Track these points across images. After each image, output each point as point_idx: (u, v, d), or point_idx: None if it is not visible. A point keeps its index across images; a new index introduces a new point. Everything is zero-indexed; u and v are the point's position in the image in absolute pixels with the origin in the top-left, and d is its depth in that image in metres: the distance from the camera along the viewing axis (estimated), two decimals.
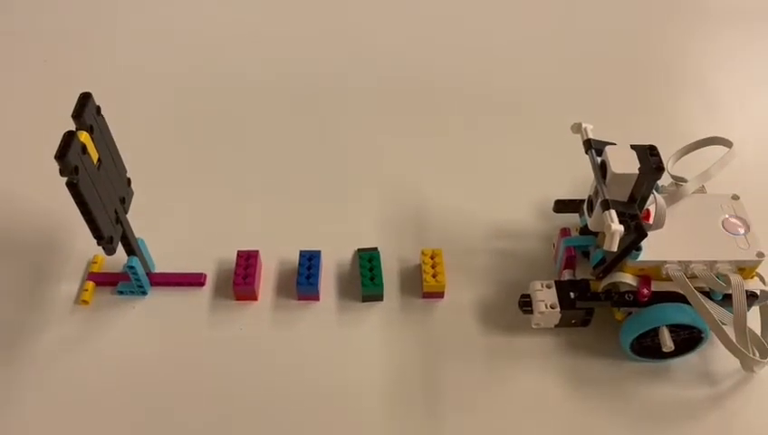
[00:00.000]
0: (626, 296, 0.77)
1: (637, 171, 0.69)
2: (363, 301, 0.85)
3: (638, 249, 0.74)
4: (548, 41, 1.22)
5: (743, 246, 0.75)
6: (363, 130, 1.06)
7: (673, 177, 0.85)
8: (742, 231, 0.76)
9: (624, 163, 0.69)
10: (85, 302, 0.84)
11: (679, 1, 1.30)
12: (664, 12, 1.28)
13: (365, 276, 0.85)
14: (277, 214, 0.94)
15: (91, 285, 0.85)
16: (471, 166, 1.01)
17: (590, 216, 0.76)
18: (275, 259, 0.89)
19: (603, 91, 1.12)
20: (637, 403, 0.77)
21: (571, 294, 0.78)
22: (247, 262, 0.85)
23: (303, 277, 0.84)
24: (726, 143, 0.82)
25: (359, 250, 0.88)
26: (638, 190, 0.70)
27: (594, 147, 0.75)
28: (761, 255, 0.74)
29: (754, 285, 0.76)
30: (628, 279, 0.76)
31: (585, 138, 0.76)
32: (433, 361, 0.80)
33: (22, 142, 1.02)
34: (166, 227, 0.90)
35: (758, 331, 0.78)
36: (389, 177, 0.99)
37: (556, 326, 0.80)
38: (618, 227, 0.67)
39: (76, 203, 0.67)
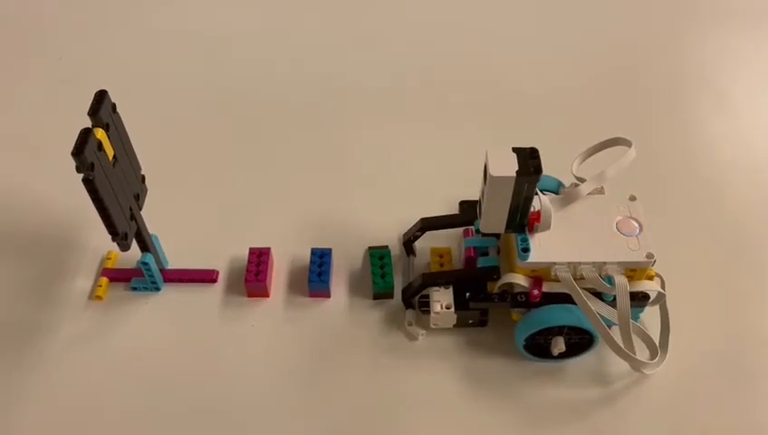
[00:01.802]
0: (518, 297, 0.77)
1: (514, 174, 0.69)
2: (374, 299, 0.86)
3: (527, 250, 0.74)
4: (555, 40, 1.22)
5: (633, 247, 0.74)
6: (376, 129, 1.06)
7: (576, 177, 0.84)
8: (635, 232, 0.76)
9: (503, 166, 0.69)
10: (99, 297, 0.85)
11: (689, 1, 1.30)
12: (673, 12, 1.27)
13: (376, 274, 0.85)
14: (289, 212, 0.95)
15: (104, 280, 0.86)
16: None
17: (479, 218, 0.76)
18: (287, 257, 0.89)
19: (609, 92, 1.12)
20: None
21: (467, 295, 0.79)
22: (259, 259, 0.86)
23: (315, 275, 0.85)
24: (627, 143, 0.81)
25: (370, 248, 0.89)
26: (518, 193, 0.70)
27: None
28: (650, 256, 0.74)
29: (648, 286, 0.76)
30: (520, 280, 0.76)
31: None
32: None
33: (37, 139, 1.03)
34: (179, 223, 0.91)
35: (657, 332, 0.79)
36: (401, 176, 0.99)
37: (455, 326, 0.81)
38: None
39: (92, 199, 0.68)
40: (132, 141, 0.77)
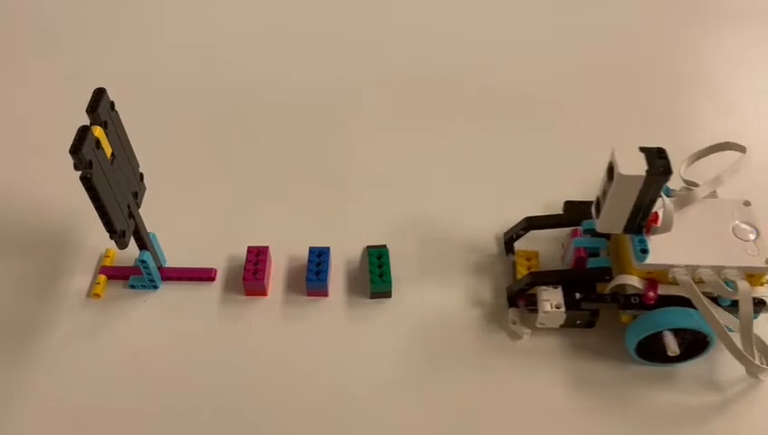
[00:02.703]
0: (632, 299, 0.77)
1: (644, 173, 0.68)
2: (372, 297, 0.86)
3: (645, 252, 0.74)
4: (557, 41, 1.22)
5: (752, 252, 0.74)
6: (374, 128, 1.06)
7: (685, 181, 0.85)
8: (752, 237, 0.76)
9: (632, 165, 0.69)
10: (97, 295, 0.85)
11: (692, 2, 1.30)
12: (677, 13, 1.28)
13: (374, 273, 0.85)
14: (287, 210, 0.95)
15: (103, 278, 0.86)
16: (483, 165, 1.01)
17: (597, 217, 0.76)
18: (285, 255, 0.89)
19: (612, 93, 1.12)
20: (640, 407, 0.77)
21: (577, 295, 0.78)
22: (257, 258, 0.86)
23: (313, 273, 0.85)
24: (740, 149, 0.82)
25: (368, 247, 0.89)
26: (645, 193, 0.70)
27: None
28: None
29: (764, 292, 0.76)
30: (634, 282, 0.76)
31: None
32: (438, 358, 0.81)
33: (36, 137, 1.03)
34: (177, 222, 0.91)
35: (767, 338, 0.78)
36: (400, 174, 0.99)
37: (561, 326, 0.81)
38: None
39: (90, 197, 0.68)
40: (131, 140, 0.77)
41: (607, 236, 0.81)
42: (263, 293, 0.86)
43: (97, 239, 0.88)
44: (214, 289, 0.87)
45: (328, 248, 0.87)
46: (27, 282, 0.87)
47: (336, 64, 1.16)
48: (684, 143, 0.88)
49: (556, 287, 0.79)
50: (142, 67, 1.15)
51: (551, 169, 1.00)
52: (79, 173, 0.66)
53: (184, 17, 1.25)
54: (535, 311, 0.80)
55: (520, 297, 0.83)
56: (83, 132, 0.65)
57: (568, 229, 0.86)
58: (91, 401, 0.78)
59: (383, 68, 1.16)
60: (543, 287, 0.79)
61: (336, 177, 0.99)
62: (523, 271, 0.85)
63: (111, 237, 0.73)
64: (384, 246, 0.88)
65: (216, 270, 0.88)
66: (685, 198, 0.79)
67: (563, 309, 0.78)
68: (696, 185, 0.83)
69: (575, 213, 0.86)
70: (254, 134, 1.05)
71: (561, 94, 1.12)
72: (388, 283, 0.85)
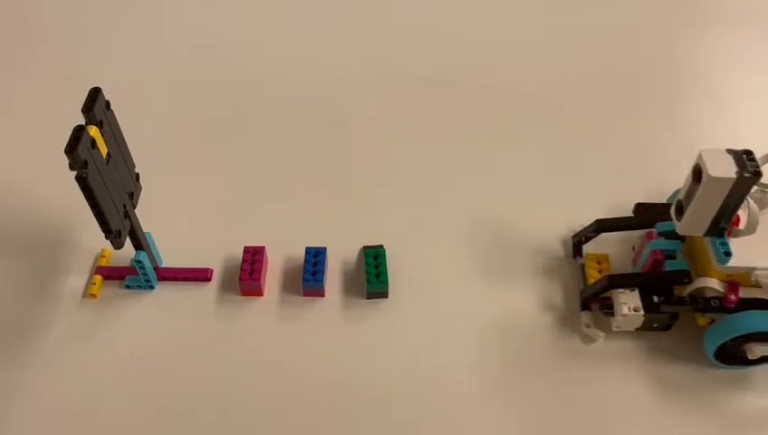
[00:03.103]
0: (712, 302, 0.76)
1: (734, 175, 0.67)
2: (368, 298, 0.86)
3: (729, 254, 0.73)
4: (572, 40, 1.21)
5: None
6: (372, 128, 1.06)
7: (759, 183, 0.84)
8: None
9: (721, 167, 0.68)
10: (93, 296, 0.85)
11: (689, 3, 1.30)
12: (675, 14, 1.27)
13: (370, 273, 0.85)
14: (284, 210, 0.94)
15: (98, 278, 0.86)
16: (483, 165, 1.01)
17: (679, 220, 0.75)
18: (281, 255, 0.89)
19: (610, 93, 1.12)
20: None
21: (655, 298, 0.78)
22: (254, 258, 0.86)
23: (309, 274, 0.85)
24: None
25: (365, 247, 0.89)
26: (732, 195, 0.69)
27: None
28: None
29: None
30: (715, 284, 0.75)
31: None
32: (449, 360, 0.81)
33: (32, 136, 1.03)
34: (173, 222, 0.91)
35: None
36: (398, 174, 0.99)
37: (637, 330, 0.80)
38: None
39: (85, 197, 0.68)
40: (127, 139, 0.77)
41: (682, 239, 0.80)
42: (259, 293, 0.86)
43: (93, 239, 0.88)
44: (210, 289, 0.87)
45: (324, 248, 0.87)
46: (23, 282, 0.87)
47: (334, 64, 1.16)
48: (689, 144, 0.88)
49: (633, 290, 0.79)
50: (138, 67, 1.15)
51: (550, 170, 1.00)
52: (74, 173, 0.66)
53: (180, 17, 1.24)
54: (611, 314, 0.79)
55: (594, 300, 0.82)
56: (79, 132, 0.65)
57: (639, 232, 0.86)
58: (87, 401, 0.77)
59: (381, 68, 1.16)
60: (620, 290, 0.79)
61: (333, 177, 0.99)
62: (594, 274, 0.84)
63: (107, 237, 0.73)
64: (381, 246, 0.88)
65: (212, 270, 0.88)
66: (761, 200, 0.78)
67: (642, 312, 0.77)
68: None
69: (647, 215, 0.86)
70: (250, 134, 1.05)
71: (560, 94, 1.11)
72: (385, 283, 0.85)
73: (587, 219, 0.89)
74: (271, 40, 1.20)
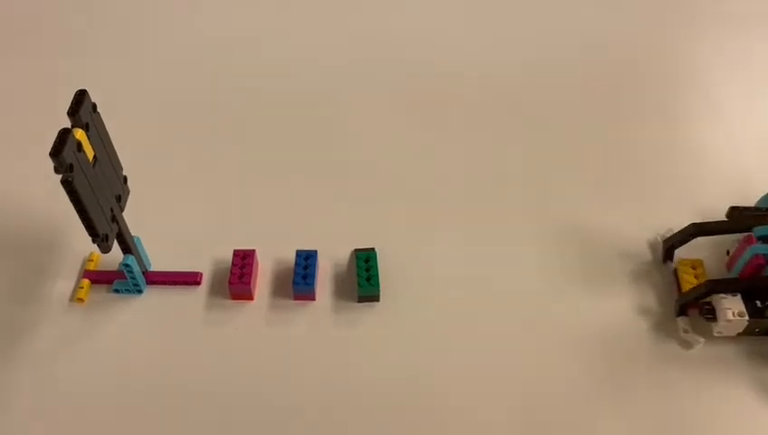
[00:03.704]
0: None
1: None
2: (359, 301, 0.85)
3: None
4: (555, 43, 1.21)
5: None
6: (363, 129, 1.05)
7: None
8: None
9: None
10: (80, 300, 0.84)
11: (685, 6, 1.29)
12: (664, 16, 1.27)
13: (362, 277, 0.85)
14: (274, 213, 0.94)
15: (86, 283, 0.85)
16: (472, 167, 1.00)
17: None
18: (272, 259, 0.88)
19: (608, 94, 1.12)
20: None
21: (758, 303, 0.77)
22: (243, 261, 0.85)
23: (300, 277, 0.84)
24: None
25: (356, 250, 0.88)
26: None
27: None
28: None
29: None
30: None
31: None
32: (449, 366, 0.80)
33: (18, 139, 1.02)
34: (162, 225, 0.90)
35: None
36: (388, 176, 0.99)
37: (738, 335, 0.80)
38: None
39: (71, 200, 0.67)
40: (115, 142, 0.76)
41: None
42: (249, 297, 0.85)
43: (81, 243, 0.87)
44: (199, 293, 0.86)
45: (315, 251, 0.86)
46: (9, 286, 0.86)
47: (324, 67, 1.15)
48: (685, 146, 0.87)
49: (735, 295, 0.78)
50: (126, 68, 1.14)
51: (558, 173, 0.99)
52: (60, 176, 0.65)
53: (166, 17, 1.23)
54: (712, 319, 0.78)
55: (692, 305, 0.81)
56: (64, 135, 0.64)
57: (732, 236, 0.85)
58: (74, 406, 0.76)
59: (372, 70, 1.15)
60: (722, 295, 0.78)
61: (323, 179, 0.98)
62: (689, 279, 0.84)
63: (94, 241, 0.72)
64: (372, 249, 0.88)
65: (201, 274, 0.87)
66: None
67: (746, 317, 0.77)
68: None
69: (743, 219, 0.86)
70: (240, 136, 1.04)
71: (567, 97, 1.11)
72: (376, 286, 0.84)
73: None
74: (260, 42, 1.19)
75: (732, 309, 0.77)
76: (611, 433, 0.75)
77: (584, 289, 0.86)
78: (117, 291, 0.85)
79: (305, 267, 0.85)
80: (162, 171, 0.98)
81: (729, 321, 0.77)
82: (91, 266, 0.87)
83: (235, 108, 1.08)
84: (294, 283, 0.84)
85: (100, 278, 0.86)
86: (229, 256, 0.86)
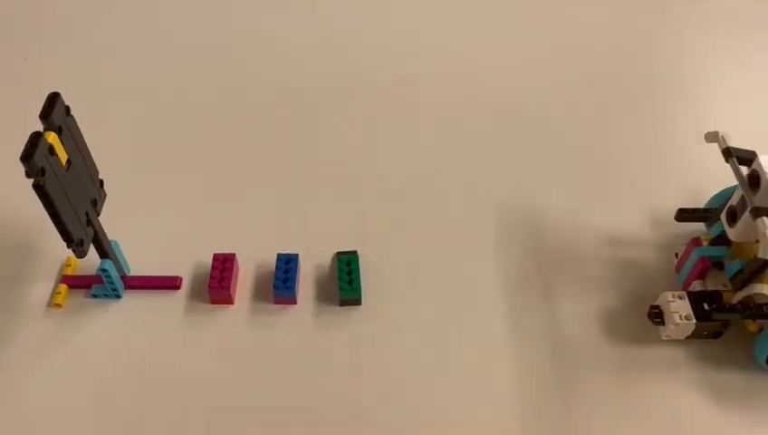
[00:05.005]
0: (765, 308, 0.75)
1: None
2: (341, 305, 0.84)
3: None
4: (550, 45, 1.20)
5: None
6: (343, 131, 1.04)
7: None
8: None
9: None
10: (58, 305, 0.83)
11: (676, 8, 1.29)
12: (656, 18, 1.27)
13: (343, 280, 0.84)
14: (254, 217, 0.93)
15: (64, 287, 0.84)
16: (456, 170, 1.00)
17: (731, 226, 0.74)
18: (252, 262, 0.87)
19: (602, 93, 1.12)
20: None
21: (706, 306, 0.77)
22: (223, 265, 0.84)
23: (280, 281, 0.83)
24: None
25: (337, 253, 0.87)
26: None
27: (735, 155, 0.74)
28: None
29: None
30: (767, 290, 0.74)
31: (724, 146, 0.75)
32: (437, 367, 0.79)
33: None
34: (141, 229, 0.89)
35: None
36: (370, 179, 0.98)
37: (687, 338, 0.79)
38: None
39: (44, 205, 0.66)
40: (91, 145, 0.75)
41: (728, 244, 0.79)
42: (229, 301, 0.84)
43: (58, 247, 0.83)
44: (179, 298, 0.85)
45: (296, 255, 0.85)
46: None
47: (307, 69, 1.14)
48: (667, 148, 0.87)
49: (683, 299, 0.78)
50: (102, 69, 1.12)
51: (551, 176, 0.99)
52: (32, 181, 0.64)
53: (147, 16, 1.22)
54: (660, 323, 0.78)
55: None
56: (35, 139, 0.63)
57: (682, 239, 0.85)
58: (51, 413, 0.75)
59: (354, 72, 1.14)
60: (670, 299, 0.78)
61: (304, 181, 0.97)
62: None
63: (69, 246, 0.71)
64: (354, 252, 0.87)
65: (181, 278, 0.86)
66: None
67: (693, 320, 0.76)
68: None
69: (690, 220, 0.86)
70: (219, 139, 1.03)
71: (558, 102, 1.10)
72: (358, 290, 0.83)
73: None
74: (242, 43, 1.18)
75: (679, 313, 0.77)
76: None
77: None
78: (95, 296, 0.84)
79: (286, 271, 0.84)
80: (140, 174, 0.96)
81: (677, 324, 0.77)
82: (69, 271, 0.86)
83: (215, 110, 1.07)
84: (275, 287, 0.83)
85: (77, 283, 0.85)
86: (209, 259, 0.85)
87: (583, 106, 1.09)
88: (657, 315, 0.79)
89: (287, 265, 0.84)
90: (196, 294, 0.85)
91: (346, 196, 0.96)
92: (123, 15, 1.22)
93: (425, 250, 0.90)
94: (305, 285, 0.86)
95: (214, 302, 0.84)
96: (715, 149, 0.78)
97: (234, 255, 0.85)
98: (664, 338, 0.79)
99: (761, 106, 1.10)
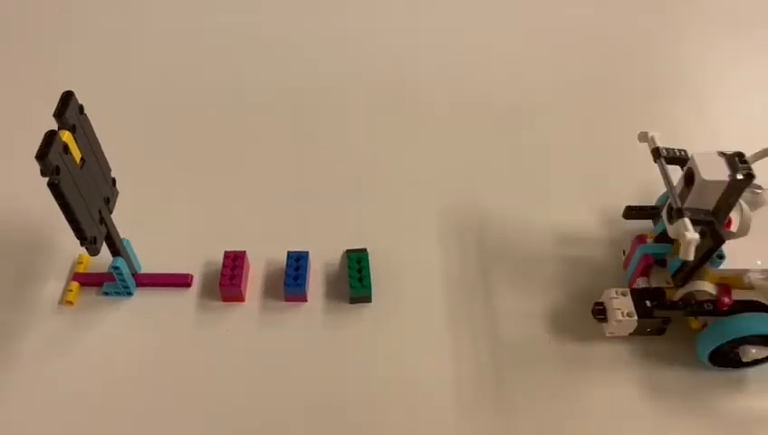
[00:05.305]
0: (705, 305, 0.75)
1: (727, 178, 0.67)
2: (351, 302, 0.85)
3: (721, 257, 0.72)
4: (548, 45, 1.20)
5: None
6: (355, 129, 1.05)
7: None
8: None
9: (714, 170, 0.68)
10: (70, 303, 0.83)
11: (675, 7, 1.29)
12: (656, 16, 1.27)
13: (353, 278, 0.84)
14: (265, 214, 0.93)
15: (75, 285, 0.84)
16: (464, 169, 1.00)
17: (671, 223, 0.74)
18: (263, 260, 0.88)
19: (599, 93, 1.12)
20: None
21: (648, 303, 0.77)
22: (234, 263, 0.84)
23: (291, 278, 0.83)
24: None
25: (347, 251, 0.88)
26: (725, 198, 0.69)
27: (663, 155, 0.74)
28: None
29: None
30: (707, 288, 0.74)
31: (653, 146, 0.75)
32: (437, 364, 0.80)
33: (6, 140, 1.01)
34: (152, 227, 0.89)
35: None
36: (380, 177, 0.98)
37: (630, 335, 0.79)
38: (693, 236, 0.66)
39: (58, 203, 0.66)
40: (104, 143, 0.75)
41: (671, 241, 0.79)
42: (240, 298, 0.84)
43: (70, 245, 0.84)
44: (190, 295, 0.85)
45: (306, 253, 0.86)
46: None
47: (316, 68, 1.14)
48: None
49: (625, 295, 0.78)
50: (115, 69, 1.13)
51: (539, 173, 0.99)
52: (47, 179, 0.64)
53: (158, 17, 1.23)
54: (604, 320, 0.78)
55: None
56: (50, 137, 0.64)
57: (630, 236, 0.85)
58: (62, 409, 0.76)
59: (363, 71, 1.14)
60: (613, 296, 0.78)
61: (315, 179, 0.98)
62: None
63: (82, 244, 0.71)
64: (364, 249, 0.87)
65: (192, 276, 0.86)
66: (753, 202, 0.77)
67: (635, 317, 0.77)
68: (759, 188, 0.81)
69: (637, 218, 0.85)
70: (230, 137, 1.03)
71: (547, 96, 1.11)
72: (368, 287, 0.84)
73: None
74: (251, 42, 1.18)
75: (621, 309, 0.77)
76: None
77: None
78: (106, 293, 0.84)
79: (296, 269, 0.84)
80: (152, 173, 0.97)
81: (619, 321, 0.77)
82: (81, 269, 0.86)
83: (226, 108, 1.08)
84: (285, 284, 0.83)
85: (89, 281, 0.85)
86: (220, 257, 0.85)
87: (583, 106, 1.09)
88: (600, 312, 0.79)
89: (297, 263, 0.85)
90: (207, 292, 0.85)
91: (356, 194, 0.96)
92: (137, 17, 1.23)
93: (434, 248, 0.90)
94: (315, 282, 0.86)
95: (225, 299, 0.84)
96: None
97: (244, 252, 0.85)
98: (608, 335, 0.79)
99: (761, 106, 1.10)
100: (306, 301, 0.85)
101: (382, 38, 1.20)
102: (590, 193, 0.96)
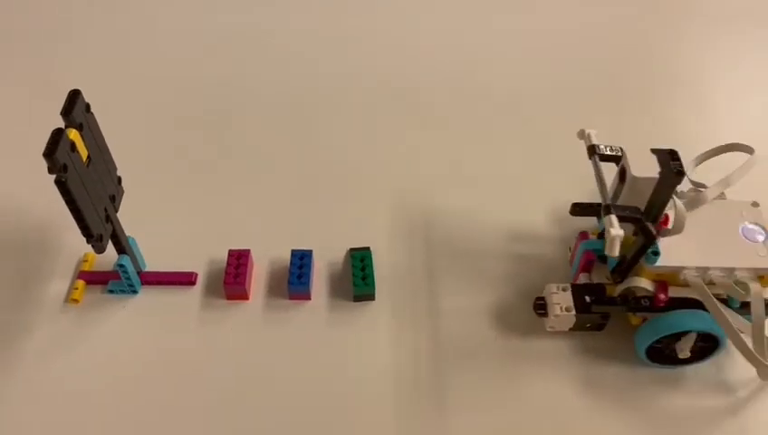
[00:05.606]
0: (642, 301, 0.76)
1: (657, 175, 0.68)
2: (355, 300, 0.85)
3: (656, 253, 0.73)
4: (546, 45, 1.21)
5: (762, 253, 0.74)
6: (357, 129, 1.05)
7: (693, 182, 0.84)
8: (761, 239, 0.75)
9: (644, 167, 0.69)
10: (75, 301, 0.84)
11: (675, 6, 1.30)
12: (655, 15, 1.28)
13: (357, 276, 0.85)
14: (269, 213, 0.94)
15: (81, 283, 0.85)
16: (467, 167, 1.01)
17: (599, 220, 0.75)
18: (267, 258, 0.88)
19: (599, 94, 1.12)
20: (650, 410, 0.77)
21: (587, 298, 0.78)
22: (238, 261, 0.85)
23: (295, 277, 0.84)
24: (748, 150, 0.81)
25: (351, 250, 0.88)
26: (657, 195, 0.69)
27: (599, 152, 0.75)
28: None
29: None
30: (644, 284, 0.75)
31: (589, 143, 0.76)
32: (436, 361, 0.80)
33: (11, 139, 1.01)
34: (157, 225, 0.90)
35: None
36: (383, 175, 0.99)
37: (571, 330, 0.80)
38: (618, 232, 0.66)
39: (65, 201, 0.67)
40: (108, 142, 0.75)
41: None
42: (244, 297, 0.85)
43: (75, 243, 0.86)
44: (194, 293, 0.85)
45: (310, 251, 0.86)
46: (3, 287, 0.85)
47: (318, 67, 1.15)
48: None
49: (566, 290, 0.79)
50: (121, 68, 1.14)
51: (552, 173, 1.00)
52: (54, 177, 0.65)
53: (164, 16, 1.23)
54: (544, 315, 0.79)
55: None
56: (57, 135, 0.64)
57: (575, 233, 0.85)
58: (68, 407, 0.76)
59: (365, 70, 1.15)
60: (553, 291, 0.79)
61: (318, 178, 0.98)
62: None
63: (88, 242, 0.72)
64: (367, 248, 0.88)
65: (196, 274, 0.87)
66: (694, 200, 0.78)
67: (573, 312, 0.77)
68: (703, 186, 0.83)
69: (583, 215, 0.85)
70: (234, 136, 1.04)
71: (558, 96, 1.11)
72: (372, 285, 0.84)
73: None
74: (254, 42, 1.19)
75: (560, 304, 0.78)
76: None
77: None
78: (112, 291, 0.85)
79: (300, 267, 0.85)
80: (157, 171, 0.97)
81: (557, 316, 0.77)
82: (86, 267, 0.86)
83: (230, 107, 1.08)
84: (289, 282, 0.84)
85: (94, 279, 0.85)
86: (224, 256, 0.86)
87: (583, 105, 1.10)
88: (540, 307, 0.80)
89: (301, 261, 0.85)
90: (211, 290, 0.86)
91: (359, 193, 0.96)
92: (142, 16, 1.23)
93: (436, 246, 0.91)
94: (319, 280, 0.87)
95: (229, 297, 0.85)
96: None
97: (248, 251, 0.86)
98: (548, 329, 0.80)
99: (761, 106, 1.11)
100: (310, 299, 0.85)
101: (382, 38, 1.21)
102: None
